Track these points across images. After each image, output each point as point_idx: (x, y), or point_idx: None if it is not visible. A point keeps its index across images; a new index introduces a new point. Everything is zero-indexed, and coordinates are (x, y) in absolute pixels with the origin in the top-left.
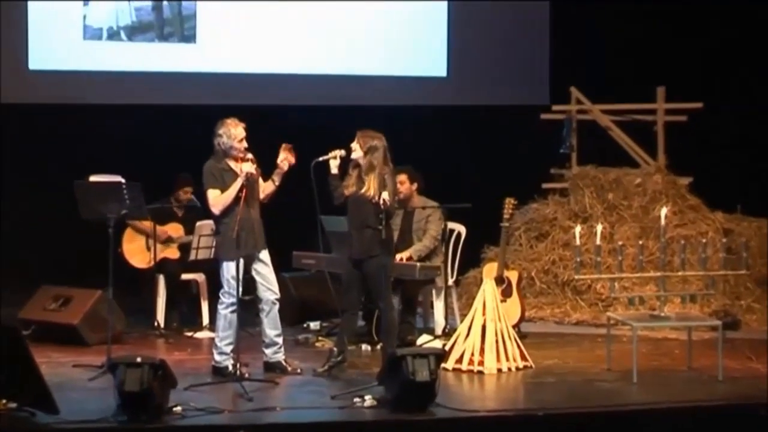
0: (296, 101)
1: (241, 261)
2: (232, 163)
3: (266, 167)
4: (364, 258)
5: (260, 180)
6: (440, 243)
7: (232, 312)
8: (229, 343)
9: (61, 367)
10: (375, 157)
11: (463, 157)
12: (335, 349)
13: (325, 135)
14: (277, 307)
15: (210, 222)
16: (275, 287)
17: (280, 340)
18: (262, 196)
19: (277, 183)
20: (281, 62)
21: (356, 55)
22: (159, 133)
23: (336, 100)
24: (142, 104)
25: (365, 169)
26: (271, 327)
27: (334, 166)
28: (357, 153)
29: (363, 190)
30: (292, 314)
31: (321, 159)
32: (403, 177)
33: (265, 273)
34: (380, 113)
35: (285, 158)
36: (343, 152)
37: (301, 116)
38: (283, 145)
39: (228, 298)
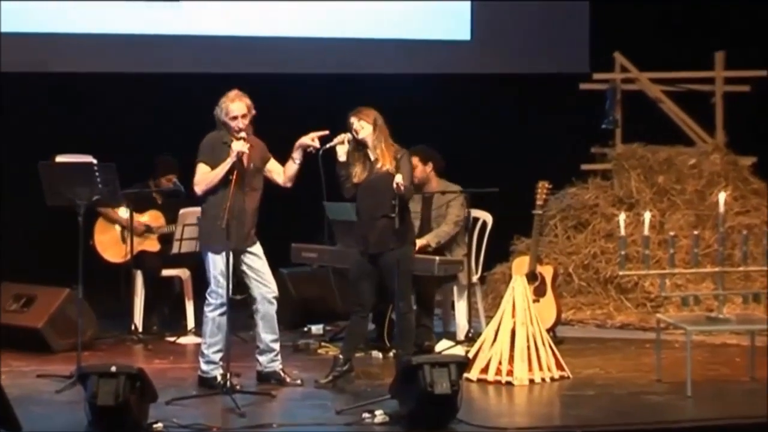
0: (295, 69)
1: (231, 254)
2: (232, 140)
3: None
4: (380, 252)
5: (272, 162)
6: (463, 233)
7: (221, 314)
8: (218, 350)
9: (23, 377)
10: (377, 135)
11: (488, 135)
12: (341, 356)
13: (329, 108)
14: (274, 307)
15: (196, 210)
16: (272, 283)
17: (276, 346)
18: (283, 178)
19: (297, 161)
20: (278, 24)
21: (364, 15)
22: (137, 106)
23: (340, 68)
24: (117, 72)
25: (372, 144)
26: (267, 330)
27: (342, 153)
28: (366, 131)
29: (378, 167)
30: (291, 316)
31: (328, 146)
32: (414, 159)
33: (257, 267)
34: (391, 83)
35: (311, 138)
36: (349, 136)
37: (300, 87)
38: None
39: (216, 299)
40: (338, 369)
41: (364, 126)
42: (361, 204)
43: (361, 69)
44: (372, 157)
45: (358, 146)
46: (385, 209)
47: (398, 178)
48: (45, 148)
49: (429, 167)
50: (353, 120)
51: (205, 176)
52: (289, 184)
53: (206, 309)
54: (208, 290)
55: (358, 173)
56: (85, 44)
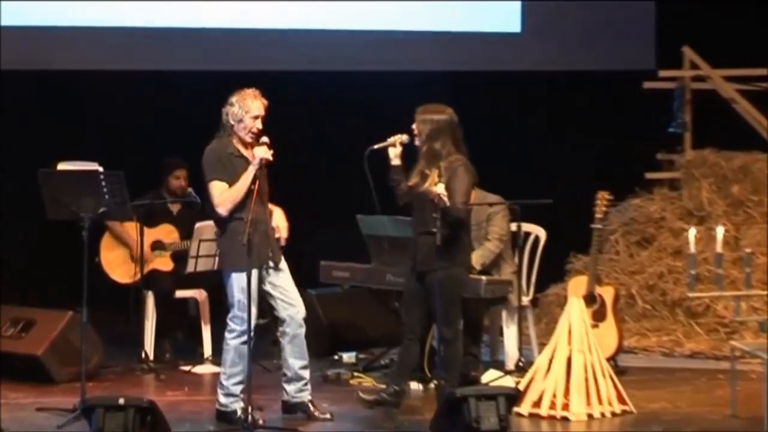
0: (322, 66)
1: (254, 272)
2: (240, 147)
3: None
4: (425, 270)
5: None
6: (512, 250)
7: (244, 342)
8: (239, 382)
9: (20, 410)
10: (438, 143)
11: (539, 139)
12: (390, 386)
13: (365, 110)
14: (303, 329)
15: (211, 223)
16: (299, 302)
17: (306, 374)
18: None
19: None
20: (300, 16)
21: (397, 5)
22: (147, 107)
23: (373, 65)
24: (126, 70)
25: (427, 160)
26: (296, 356)
27: (394, 156)
28: (417, 137)
29: (426, 185)
30: (320, 343)
31: (377, 147)
32: None
33: (283, 284)
34: (430, 81)
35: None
36: (405, 137)
37: (329, 85)
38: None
39: (239, 324)
40: (385, 395)
41: (418, 129)
42: (413, 215)
43: (393, 65)
44: (424, 168)
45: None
46: (428, 224)
47: (439, 188)
48: (45, 154)
49: None
50: (416, 119)
51: (227, 194)
52: None
53: (228, 336)
54: (231, 315)
55: (412, 178)
56: (89, 39)
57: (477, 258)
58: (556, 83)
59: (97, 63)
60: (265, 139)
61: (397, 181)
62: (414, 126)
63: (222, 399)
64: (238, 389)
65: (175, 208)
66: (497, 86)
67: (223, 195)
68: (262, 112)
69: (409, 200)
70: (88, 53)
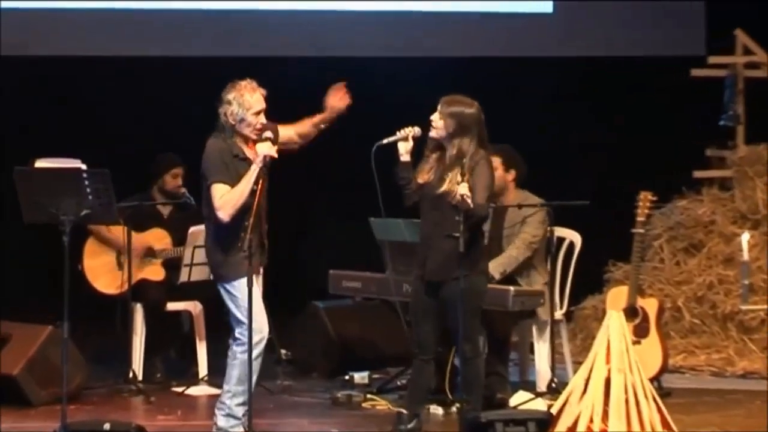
0: (329, 51)
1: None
2: (244, 147)
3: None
4: (441, 281)
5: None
6: (544, 257)
7: (257, 357)
8: (242, 403)
9: None
10: (466, 140)
11: (574, 134)
12: (405, 412)
13: (374, 99)
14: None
15: None
16: (263, 319)
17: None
18: (285, 137)
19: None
20: None
21: None
22: (136, 97)
23: (386, 50)
24: (111, 56)
25: (451, 158)
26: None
27: (405, 151)
28: (439, 131)
29: (444, 188)
30: (329, 362)
31: (386, 141)
32: (494, 160)
33: (255, 294)
34: (448, 69)
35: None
36: (417, 130)
37: (337, 70)
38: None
39: (251, 335)
40: (403, 428)
41: (438, 125)
42: (423, 217)
43: (407, 51)
44: (447, 166)
45: (438, 142)
46: (448, 227)
47: (462, 188)
48: (22, 149)
49: (511, 175)
50: (440, 111)
51: (229, 197)
52: (298, 146)
53: (237, 349)
54: (240, 328)
55: (424, 172)
56: (70, 21)
57: (496, 266)
58: (592, 71)
59: (80, 48)
60: (268, 134)
61: (407, 180)
62: (435, 117)
63: (221, 421)
64: (241, 411)
65: (166, 210)
66: (524, 74)
67: (225, 198)
68: (263, 104)
69: (418, 200)
70: (69, 37)
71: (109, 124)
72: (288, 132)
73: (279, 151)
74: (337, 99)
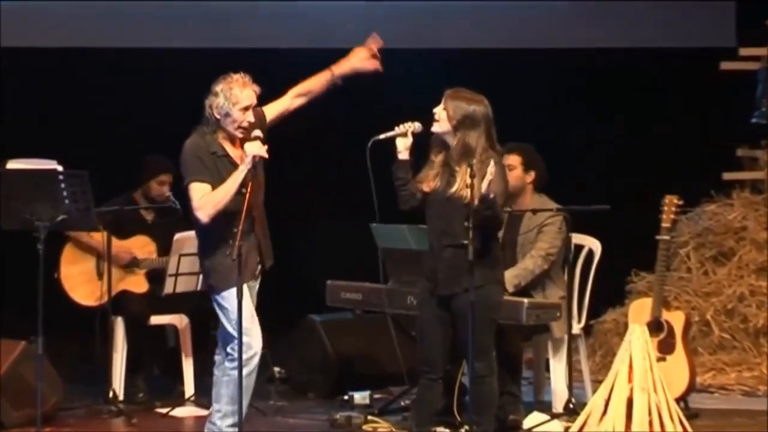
0: (328, 43)
1: (246, 290)
2: (227, 145)
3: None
4: (452, 293)
5: (270, 107)
6: (561, 268)
7: (249, 374)
8: (234, 424)
9: None
10: (473, 135)
11: (593, 132)
12: None
13: (374, 95)
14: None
15: (194, 234)
16: (257, 332)
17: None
18: (270, 120)
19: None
20: None
21: None
22: (116, 92)
23: (387, 42)
24: (91, 47)
25: (457, 155)
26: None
27: (403, 148)
28: (442, 125)
29: (453, 190)
30: (327, 380)
31: (383, 136)
32: (513, 159)
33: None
34: (455, 61)
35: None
36: (418, 126)
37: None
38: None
39: (244, 351)
40: None
41: (441, 118)
42: (431, 225)
43: (410, 43)
44: (453, 165)
45: (440, 141)
46: (459, 235)
47: (485, 188)
48: None
49: (530, 176)
50: (446, 105)
51: (210, 197)
52: (299, 105)
53: (228, 365)
54: (232, 343)
55: (429, 178)
56: (46, 11)
57: (510, 278)
58: (612, 64)
59: (58, 39)
60: (257, 132)
61: (404, 180)
62: (438, 110)
63: None
64: None
65: (150, 215)
66: (538, 68)
67: (205, 197)
68: (253, 101)
69: (418, 204)
70: (45, 27)
71: (88, 122)
72: (278, 106)
73: (277, 126)
74: (366, 59)
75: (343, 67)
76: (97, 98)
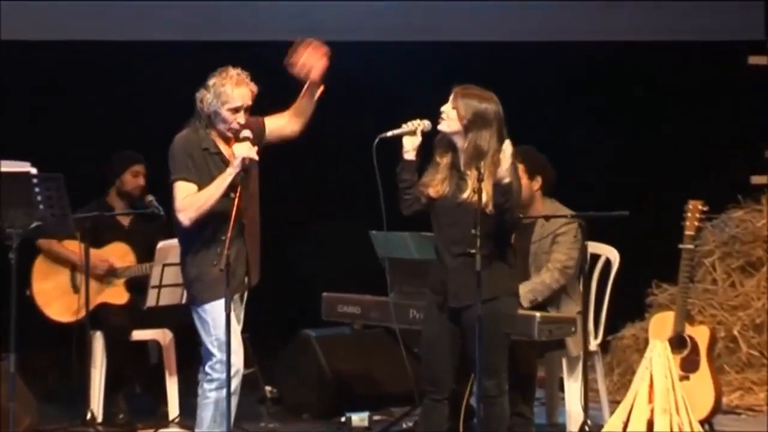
0: (330, 35)
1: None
2: (220, 143)
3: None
4: (462, 306)
5: (271, 120)
6: (576, 279)
7: (231, 395)
8: None
9: None
10: (485, 135)
11: (611, 132)
12: None
13: (375, 90)
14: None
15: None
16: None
17: None
18: (290, 124)
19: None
20: None
21: None
22: (93, 87)
23: (390, 35)
24: (66, 41)
25: (467, 158)
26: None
27: (410, 148)
28: (451, 125)
29: (465, 196)
30: (323, 400)
31: (390, 134)
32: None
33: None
34: (461, 55)
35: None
36: (426, 124)
37: (337, 60)
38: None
39: (222, 372)
40: None
41: (449, 116)
42: (440, 233)
43: (414, 35)
44: (462, 168)
45: (447, 142)
46: (467, 243)
47: (502, 171)
48: None
49: (537, 183)
50: (456, 103)
51: (193, 199)
52: (299, 127)
53: (207, 387)
54: (211, 361)
55: (436, 182)
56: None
57: (525, 292)
58: (632, 59)
59: (32, 31)
60: (246, 133)
61: (409, 182)
62: (446, 108)
63: None
64: None
65: (127, 220)
66: (552, 62)
67: (188, 199)
68: (246, 101)
69: (421, 209)
70: (16, 18)
71: (64, 120)
72: (278, 121)
73: (276, 144)
74: (310, 57)
75: (309, 83)
76: (72, 95)
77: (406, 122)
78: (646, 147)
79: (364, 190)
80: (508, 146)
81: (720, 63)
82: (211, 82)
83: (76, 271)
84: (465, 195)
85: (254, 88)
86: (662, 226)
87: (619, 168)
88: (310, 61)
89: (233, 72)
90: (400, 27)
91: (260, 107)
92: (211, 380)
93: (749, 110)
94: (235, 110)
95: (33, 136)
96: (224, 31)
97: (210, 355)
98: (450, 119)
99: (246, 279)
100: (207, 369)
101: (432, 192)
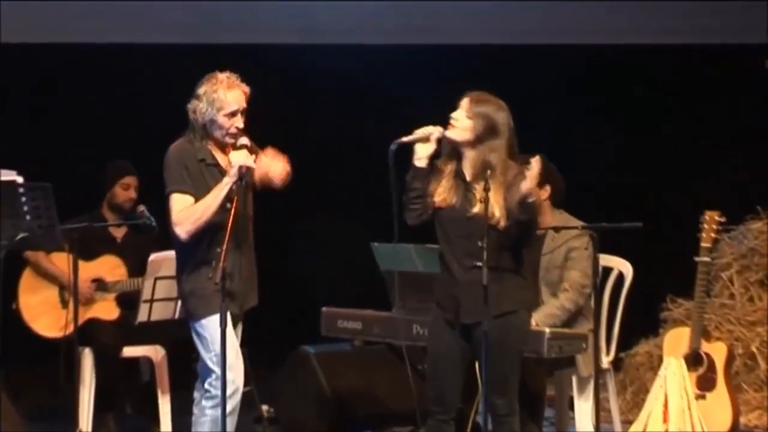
0: (330, 38)
1: (229, 318)
2: (217, 153)
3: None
4: (473, 322)
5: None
6: (590, 297)
7: (230, 413)
8: None
9: None
10: (495, 146)
11: (620, 139)
12: None
13: (375, 92)
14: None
15: (172, 255)
16: (239, 367)
17: None
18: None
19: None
20: None
21: None
22: (85, 93)
23: (395, 37)
24: (56, 43)
25: (476, 169)
26: None
27: (423, 155)
28: (461, 133)
29: (476, 210)
30: (322, 419)
31: (405, 140)
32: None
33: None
34: (463, 57)
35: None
36: (441, 131)
37: (338, 63)
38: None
39: (219, 388)
40: None
41: (461, 123)
42: (448, 245)
43: (417, 38)
44: (468, 178)
45: (452, 149)
46: (478, 255)
47: (525, 190)
48: None
49: (546, 192)
50: (467, 111)
51: (190, 211)
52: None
53: (205, 404)
54: (210, 378)
55: (442, 191)
56: (39, 8)
57: (544, 318)
58: (639, 62)
59: (31, 32)
60: (244, 140)
61: (419, 192)
62: (459, 116)
63: None
64: None
65: (119, 232)
66: (555, 65)
67: (185, 212)
68: (242, 104)
69: (428, 218)
70: (16, 20)
71: (64, 122)
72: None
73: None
74: (270, 167)
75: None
76: (96, 96)
77: (418, 128)
78: (646, 147)
79: (364, 194)
80: (536, 164)
81: (736, 67)
82: (201, 90)
83: (64, 288)
84: (476, 209)
85: (246, 89)
86: (677, 238)
87: (619, 168)
88: (272, 170)
89: (222, 76)
90: (399, 29)
91: (260, 108)
92: (210, 397)
93: (765, 116)
94: (232, 114)
95: (33, 137)
96: (224, 33)
97: (209, 371)
98: (461, 128)
99: (241, 306)
100: (206, 386)
101: (437, 201)
